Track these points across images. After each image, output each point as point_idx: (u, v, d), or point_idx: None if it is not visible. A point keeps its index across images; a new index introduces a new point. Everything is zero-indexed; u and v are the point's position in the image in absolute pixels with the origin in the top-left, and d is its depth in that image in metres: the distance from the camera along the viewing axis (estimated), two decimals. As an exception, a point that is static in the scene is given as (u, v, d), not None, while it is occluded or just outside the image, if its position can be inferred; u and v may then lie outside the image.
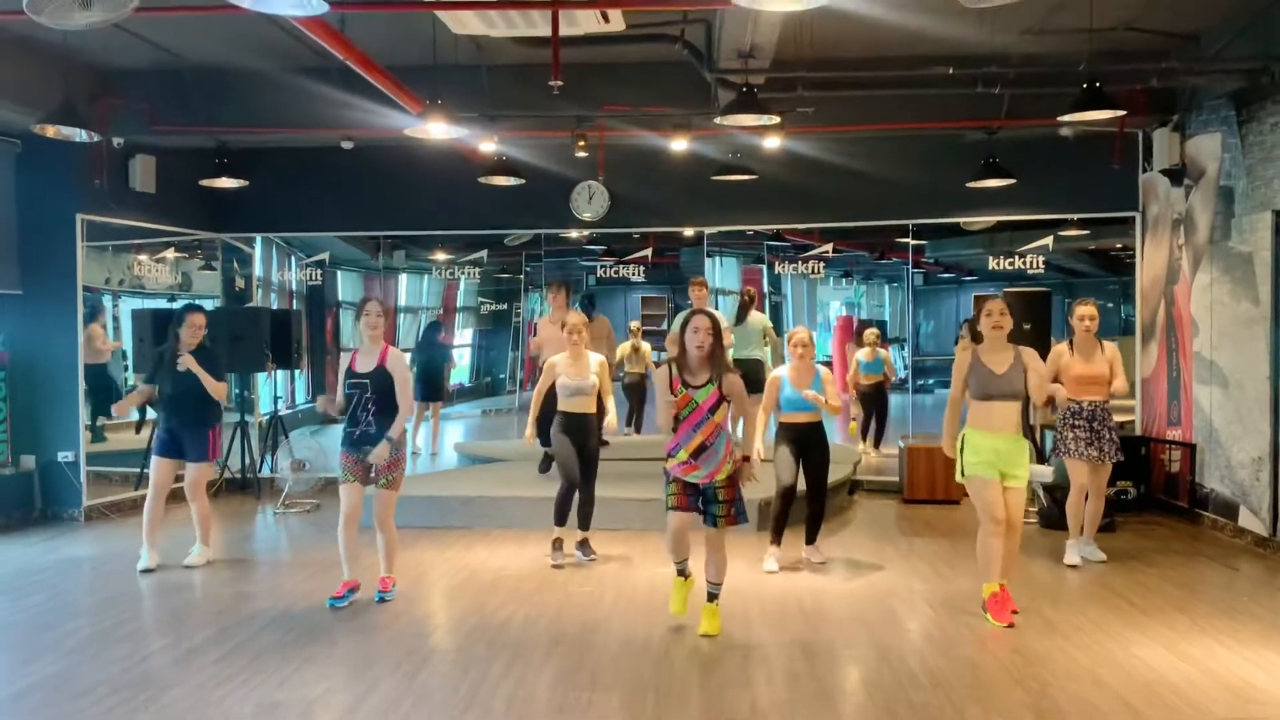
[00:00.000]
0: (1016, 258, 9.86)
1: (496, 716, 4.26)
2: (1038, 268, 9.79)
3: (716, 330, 5.21)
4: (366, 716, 4.26)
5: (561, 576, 6.59)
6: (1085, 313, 6.78)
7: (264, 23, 7.06)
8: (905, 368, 11.24)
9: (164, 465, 6.98)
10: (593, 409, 6.84)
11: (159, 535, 6.98)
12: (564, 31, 6.60)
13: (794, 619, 5.65)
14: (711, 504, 5.27)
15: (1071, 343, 6.88)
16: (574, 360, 6.78)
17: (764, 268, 10.94)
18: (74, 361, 8.67)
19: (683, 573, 5.52)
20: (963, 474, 5.65)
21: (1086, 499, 6.86)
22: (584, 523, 6.95)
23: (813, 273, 10.49)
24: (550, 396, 6.94)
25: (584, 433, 6.81)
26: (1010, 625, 5.42)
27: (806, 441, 6.71)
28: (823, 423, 6.80)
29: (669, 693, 4.52)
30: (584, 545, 6.97)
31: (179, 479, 7.06)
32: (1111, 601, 5.92)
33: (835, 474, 8.94)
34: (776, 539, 6.83)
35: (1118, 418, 9.02)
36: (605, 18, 6.81)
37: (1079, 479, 6.82)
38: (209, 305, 10.39)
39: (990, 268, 10.03)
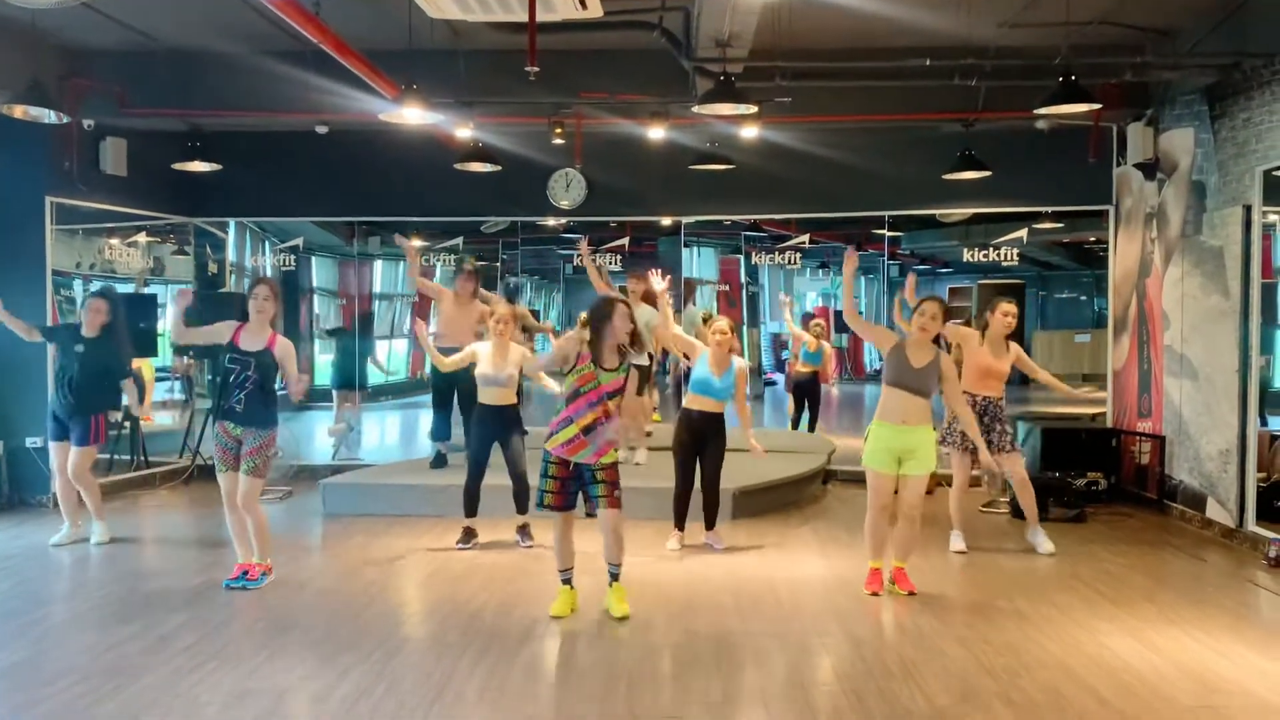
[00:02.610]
0: (991, 250, 9.91)
1: (469, 704, 4.26)
2: (1012, 260, 9.85)
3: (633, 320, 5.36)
4: (338, 704, 4.24)
5: (534, 565, 6.58)
6: (1010, 309, 6.97)
7: (237, 4, 6.98)
8: (881, 358, 11.27)
9: (62, 450, 7.11)
10: (510, 400, 6.86)
11: (79, 517, 7.20)
12: (541, 17, 6.55)
13: (766, 608, 5.67)
14: (591, 485, 5.35)
15: (984, 334, 6.98)
16: (497, 351, 6.76)
17: (741, 258, 10.95)
18: (43, 346, 8.54)
19: (568, 581, 5.55)
20: (862, 460, 6.00)
21: (1024, 493, 7.01)
22: (521, 507, 7.00)
23: (789, 263, 10.50)
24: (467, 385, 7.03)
25: (502, 425, 6.83)
26: (875, 594, 5.86)
27: (704, 431, 6.83)
28: (723, 415, 6.89)
29: (641, 681, 4.53)
30: (524, 530, 7.03)
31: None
32: (1081, 591, 5.98)
33: (808, 464, 9.04)
34: (679, 524, 6.99)
35: (1090, 409, 9.13)
36: (583, 4, 6.74)
37: (962, 473, 7.07)
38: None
39: (965, 259, 10.09)
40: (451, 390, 8.17)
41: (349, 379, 10.99)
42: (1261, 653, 4.92)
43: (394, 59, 7.29)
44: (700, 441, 6.86)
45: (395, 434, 11.21)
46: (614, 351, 5.32)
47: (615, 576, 5.50)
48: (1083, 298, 10.37)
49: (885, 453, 5.84)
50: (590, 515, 5.52)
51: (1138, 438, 8.77)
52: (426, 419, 11.73)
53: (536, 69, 6.42)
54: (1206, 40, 7.39)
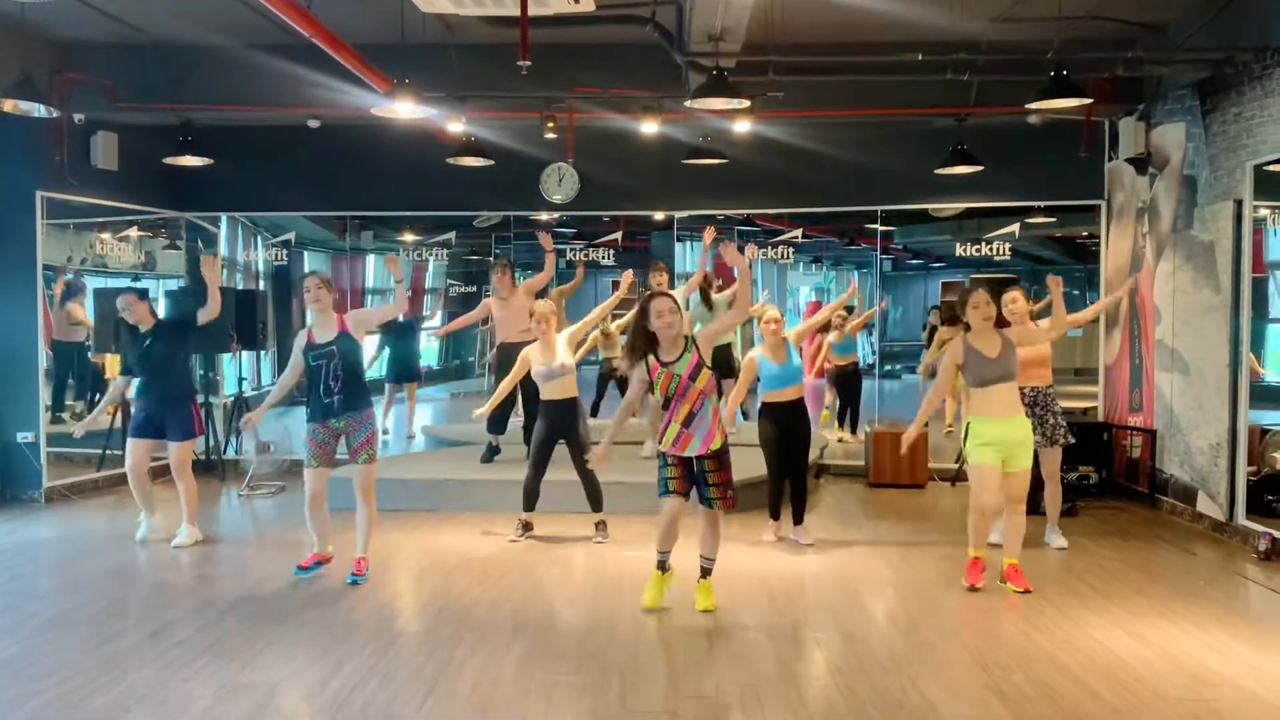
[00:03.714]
0: (983, 244, 9.93)
1: (462, 698, 4.26)
2: (1004, 255, 9.86)
3: (677, 305, 5.29)
4: (331, 698, 4.24)
5: (529, 559, 6.59)
6: (1009, 297, 6.69)
7: (228, -2, 6.97)
8: (873, 353, 11.30)
9: (140, 446, 7.00)
10: (572, 393, 6.93)
11: (156, 505, 7.15)
12: (533, 11, 6.55)
13: (759, 602, 5.68)
14: (704, 487, 5.32)
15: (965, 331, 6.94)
16: (544, 348, 6.88)
17: (734, 252, 10.92)
18: (34, 341, 8.54)
19: (663, 565, 5.50)
20: (968, 457, 5.90)
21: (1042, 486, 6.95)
22: (595, 505, 7.07)
23: (782, 258, 10.51)
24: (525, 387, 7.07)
25: (562, 420, 6.88)
26: (972, 588, 5.81)
27: (790, 419, 6.85)
28: (803, 400, 6.91)
29: (634, 674, 4.53)
30: (601, 526, 7.07)
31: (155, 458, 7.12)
32: (1072, 585, 6.00)
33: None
34: (775, 514, 7.07)
35: (1082, 403, 9.15)
36: (575, -2, 6.77)
37: None
38: (173, 285, 10.31)
39: (957, 254, 10.10)
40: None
41: (403, 373, 11.02)
42: (1252, 646, 4.94)
43: (386, 53, 7.27)
44: (788, 429, 6.86)
45: (389, 427, 11.19)
46: (672, 342, 5.22)
47: (707, 572, 5.49)
48: (1075, 292, 10.37)
49: (989, 447, 5.75)
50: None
51: (1129, 432, 8.80)
52: (422, 414, 11.82)
53: (529, 63, 6.41)
54: (1198, 35, 7.40)
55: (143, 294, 7.12)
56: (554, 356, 6.84)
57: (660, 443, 5.36)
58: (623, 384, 10.92)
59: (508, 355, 7.97)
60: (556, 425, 6.92)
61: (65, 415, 9.35)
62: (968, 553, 5.96)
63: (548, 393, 6.89)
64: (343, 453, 6.10)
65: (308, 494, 6.01)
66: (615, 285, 9.52)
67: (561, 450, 7.04)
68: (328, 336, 5.87)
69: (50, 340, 8.98)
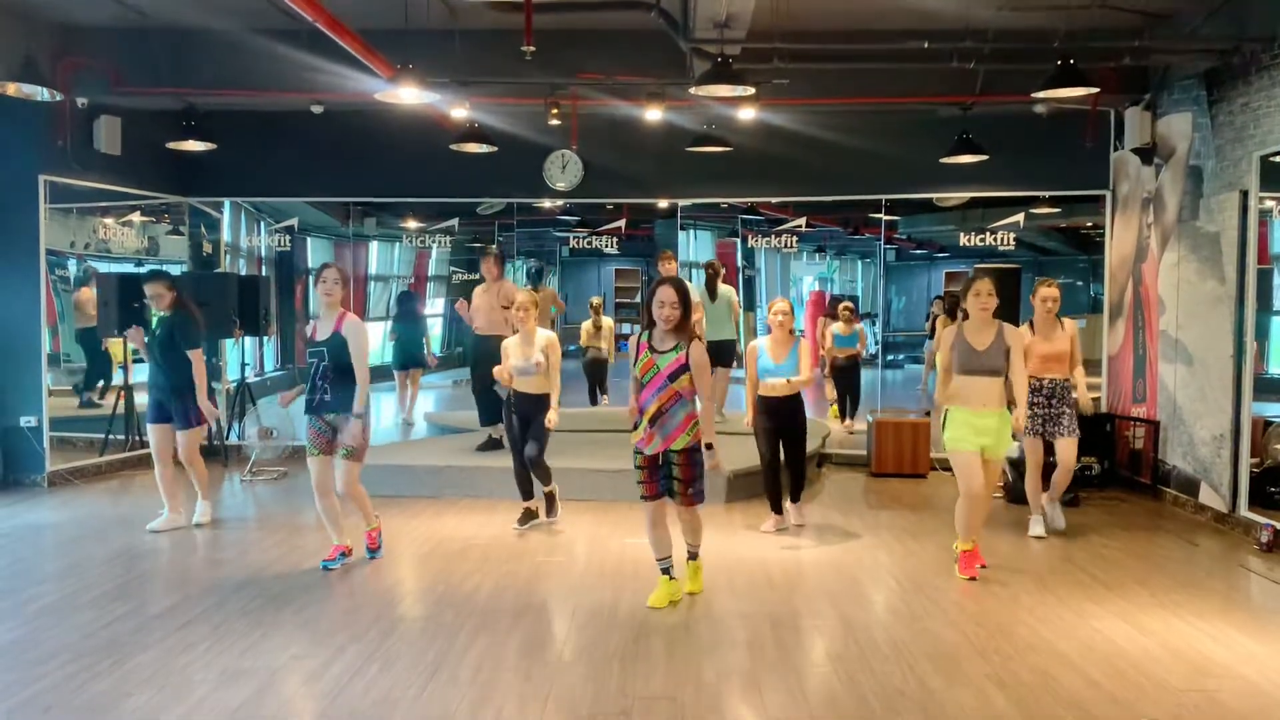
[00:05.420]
0: (988, 234, 9.90)
1: (463, 683, 4.27)
2: (1009, 245, 9.84)
3: (685, 300, 5.12)
4: (331, 682, 4.25)
5: (530, 546, 6.60)
6: (1048, 294, 6.87)
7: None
8: (876, 343, 11.28)
9: (159, 431, 7.00)
10: (544, 388, 6.83)
11: (179, 497, 7.13)
12: (537, -4, 6.53)
13: (760, 590, 5.68)
14: (668, 480, 5.23)
15: (1031, 323, 6.95)
16: (523, 340, 6.81)
17: (738, 241, 10.92)
18: (36, 325, 8.53)
19: (667, 571, 5.39)
20: (945, 446, 5.92)
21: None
22: (543, 480, 7.06)
23: (786, 247, 10.49)
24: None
25: (529, 411, 6.86)
26: (973, 579, 5.81)
27: (783, 411, 6.84)
28: (800, 393, 6.88)
29: (634, 661, 4.54)
30: (548, 501, 7.11)
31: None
32: (1073, 575, 6.00)
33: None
34: (776, 508, 7.06)
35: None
36: (580, -16, 6.73)
37: (1035, 456, 6.98)
38: (176, 270, 10.29)
39: (961, 244, 10.08)
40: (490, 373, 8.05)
41: (409, 359, 11.09)
42: (1252, 636, 4.94)
43: (389, 38, 7.24)
44: (780, 422, 6.88)
45: (389, 415, 11.21)
46: (670, 333, 5.13)
47: (694, 555, 5.55)
48: (1079, 283, 10.35)
49: (967, 430, 5.76)
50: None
51: (1132, 423, 8.78)
52: (425, 401, 11.82)
53: (533, 49, 6.39)
54: (1205, 24, 7.36)
55: (171, 283, 7.09)
56: (533, 351, 6.76)
57: (632, 434, 5.31)
58: (603, 377, 10.96)
59: (483, 349, 7.91)
60: (528, 416, 6.87)
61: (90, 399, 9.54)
62: (956, 547, 5.99)
63: (521, 385, 6.83)
64: None
65: (314, 484, 6.00)
66: (619, 274, 9.52)
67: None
68: (324, 334, 5.95)
69: (54, 324, 8.99)
